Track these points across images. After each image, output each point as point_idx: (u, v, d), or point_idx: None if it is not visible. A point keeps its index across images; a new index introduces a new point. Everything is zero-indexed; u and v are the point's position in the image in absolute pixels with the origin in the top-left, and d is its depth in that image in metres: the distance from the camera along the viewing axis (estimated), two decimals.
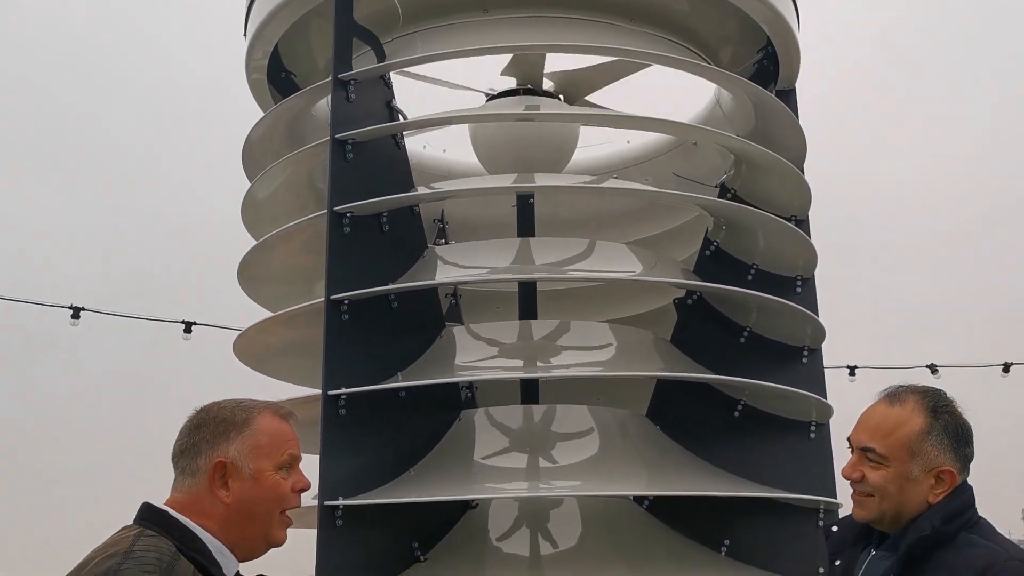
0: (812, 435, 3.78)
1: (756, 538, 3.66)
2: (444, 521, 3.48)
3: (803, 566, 3.60)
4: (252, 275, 3.71)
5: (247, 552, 1.83)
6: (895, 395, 2.10)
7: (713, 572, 3.52)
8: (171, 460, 1.87)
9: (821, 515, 3.66)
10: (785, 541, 3.66)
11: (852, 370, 8.03)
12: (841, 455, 4.02)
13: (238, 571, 1.83)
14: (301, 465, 1.94)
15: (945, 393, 2.12)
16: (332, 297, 3.14)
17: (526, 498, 3.59)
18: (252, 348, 3.67)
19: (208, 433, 1.81)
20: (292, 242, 3.53)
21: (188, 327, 6.87)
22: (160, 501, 1.82)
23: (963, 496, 2.03)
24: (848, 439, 2.12)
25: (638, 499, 3.79)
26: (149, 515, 1.77)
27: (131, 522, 1.79)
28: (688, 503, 3.67)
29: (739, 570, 3.58)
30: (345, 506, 2.99)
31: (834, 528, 2.25)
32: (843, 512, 3.75)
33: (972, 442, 2.07)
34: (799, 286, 3.87)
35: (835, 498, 3.61)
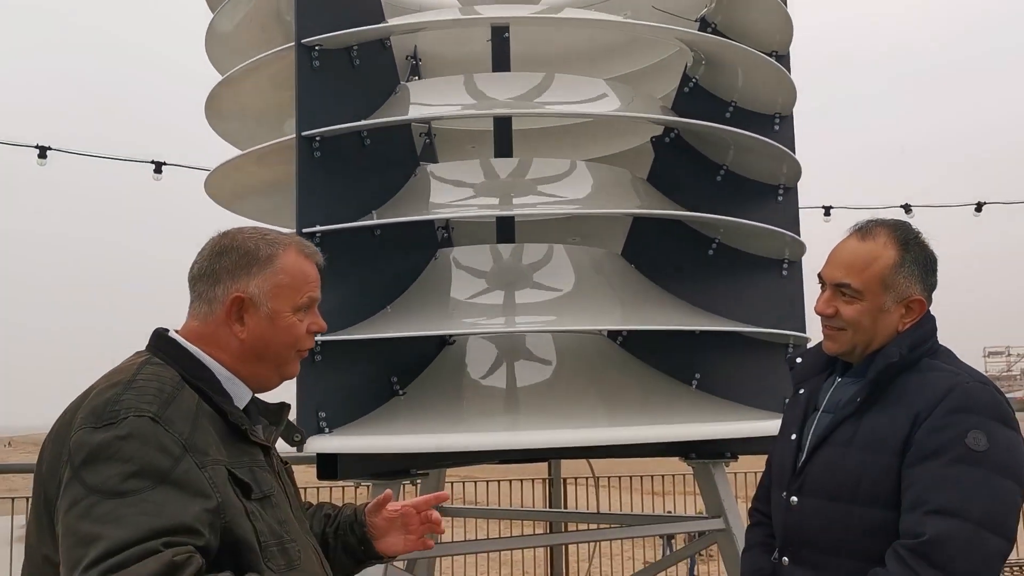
0: (784, 272, 3.83)
1: (726, 372, 3.76)
2: (422, 357, 3.54)
3: (771, 399, 3.72)
4: (219, 111, 3.62)
5: (260, 384, 1.80)
6: (866, 230, 2.10)
7: (684, 404, 3.63)
8: (187, 280, 1.78)
9: (790, 350, 3.76)
10: (754, 375, 3.77)
11: (827, 211, 8.07)
12: (812, 292, 4.12)
13: (254, 397, 1.81)
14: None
15: (911, 225, 2.14)
16: (303, 134, 3.08)
17: (502, 334, 3.65)
18: (225, 186, 3.62)
19: (229, 263, 1.73)
20: (260, 77, 3.43)
21: (158, 167, 6.73)
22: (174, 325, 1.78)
23: (928, 325, 2.08)
24: (819, 275, 2.14)
25: (612, 335, 3.86)
26: (159, 343, 1.72)
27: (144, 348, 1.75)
28: (660, 338, 3.74)
29: (709, 402, 3.70)
30: (323, 341, 3.02)
31: (798, 360, 2.30)
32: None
33: (937, 271, 2.10)
34: (777, 124, 3.84)
35: (804, 332, 3.69)
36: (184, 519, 1.45)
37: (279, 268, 1.76)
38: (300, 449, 2.27)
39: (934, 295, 2.12)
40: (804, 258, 3.87)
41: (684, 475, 7.33)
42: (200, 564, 1.43)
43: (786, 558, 2.09)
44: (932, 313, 2.10)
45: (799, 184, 3.94)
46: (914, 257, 2.06)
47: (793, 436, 2.14)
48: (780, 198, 3.87)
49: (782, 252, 3.80)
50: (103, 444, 1.46)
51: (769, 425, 3.64)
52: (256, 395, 1.82)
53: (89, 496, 1.43)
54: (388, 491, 2.00)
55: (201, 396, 1.63)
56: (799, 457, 2.10)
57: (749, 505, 2.37)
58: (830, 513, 2.00)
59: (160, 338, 1.73)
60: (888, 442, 1.95)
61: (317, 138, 3.09)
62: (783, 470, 2.14)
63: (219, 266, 1.74)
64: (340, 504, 2.11)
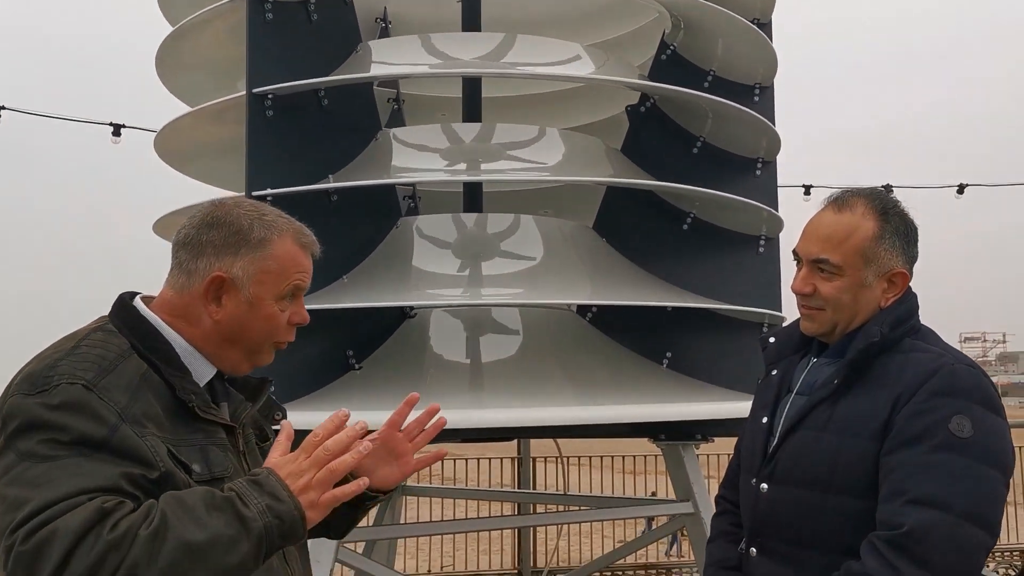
0: (761, 249, 3.70)
1: (698, 352, 3.63)
2: (380, 330, 3.37)
3: (744, 380, 3.59)
4: (170, 65, 3.43)
5: (227, 367, 1.68)
6: (842, 200, 1.95)
7: (654, 384, 3.49)
8: (171, 246, 1.67)
9: (765, 329, 3.63)
10: (727, 355, 3.64)
11: (807, 189, 7.93)
12: (790, 270, 3.99)
13: (223, 376, 1.69)
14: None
15: (889, 194, 1.99)
16: (254, 91, 2.90)
17: (466, 307, 3.50)
18: (175, 146, 3.43)
19: (218, 238, 1.62)
20: (213, 29, 3.24)
21: (117, 130, 6.48)
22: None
23: (909, 302, 1.94)
24: (795, 251, 1.98)
25: (581, 311, 3.71)
26: (118, 310, 1.63)
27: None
28: (631, 316, 3.60)
29: (680, 382, 3.56)
30: None
31: (771, 339, 2.15)
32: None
33: (918, 241, 1.96)
34: (757, 94, 3.69)
35: (780, 312, 3.57)
36: (118, 481, 1.39)
37: (269, 254, 1.63)
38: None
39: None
40: (782, 236, 3.74)
41: (656, 456, 7.23)
42: (132, 507, 1.37)
43: (753, 549, 1.95)
44: (913, 290, 1.97)
45: (779, 160, 3.81)
46: (895, 227, 1.92)
47: (764, 419, 1.99)
48: (759, 172, 3.73)
49: (759, 228, 3.66)
50: (35, 412, 1.42)
51: (741, 407, 3.48)
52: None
53: (21, 463, 1.39)
54: (355, 421, 1.81)
55: (152, 368, 1.54)
56: (770, 442, 1.96)
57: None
58: (801, 501, 1.85)
59: (121, 305, 1.63)
60: (866, 426, 1.80)
61: (269, 96, 2.91)
62: (753, 455, 1.99)
63: (206, 238, 1.62)
64: None
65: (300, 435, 2.95)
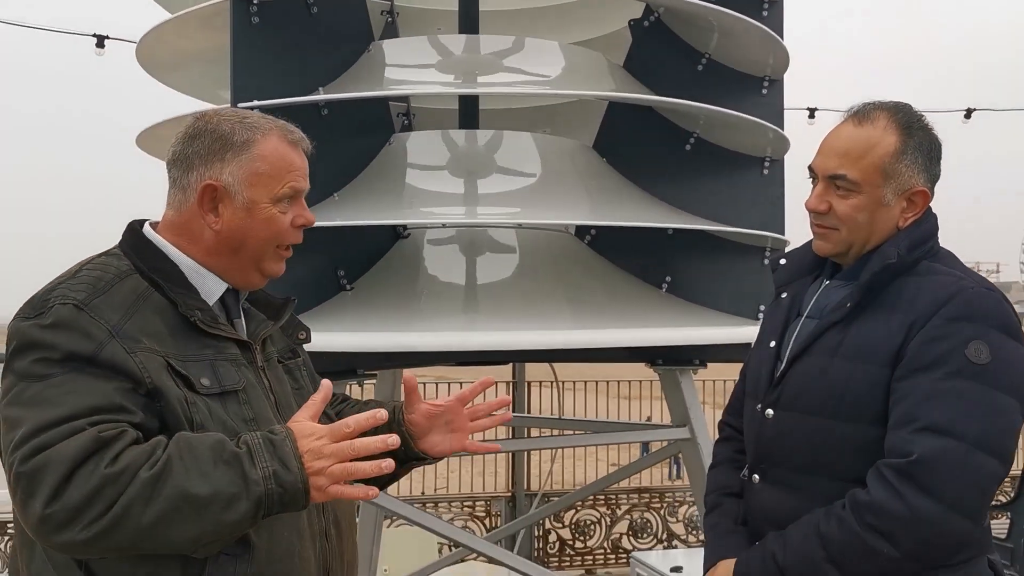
0: (766, 171, 3.59)
1: (698, 276, 3.54)
2: (372, 250, 3.28)
3: (745, 305, 3.52)
4: None
5: (239, 281, 1.69)
6: (863, 113, 1.84)
7: (652, 308, 3.42)
8: (165, 166, 1.68)
9: (767, 253, 3.54)
10: (728, 280, 3.55)
11: (812, 112, 7.76)
12: (793, 194, 3.88)
13: (234, 292, 1.70)
14: None
15: (914, 107, 1.88)
16: None
17: (461, 226, 3.40)
18: (158, 55, 3.28)
19: (202, 147, 1.62)
20: None
21: (100, 41, 6.27)
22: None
23: (929, 223, 1.85)
24: (810, 167, 1.88)
25: (580, 233, 3.62)
26: (126, 234, 1.67)
27: None
28: (631, 239, 3.51)
29: (679, 306, 3.49)
30: None
31: (781, 261, 2.06)
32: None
33: (941, 159, 1.86)
34: (766, 9, 3.53)
35: (783, 235, 3.47)
36: (112, 397, 1.43)
37: (256, 154, 1.63)
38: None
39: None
40: (787, 159, 3.63)
41: (652, 381, 7.22)
42: (133, 436, 1.40)
43: (756, 476, 1.89)
44: (933, 211, 1.87)
45: (786, 79, 3.68)
46: (918, 143, 1.81)
47: (772, 344, 1.92)
48: (765, 91, 3.60)
49: (764, 149, 3.55)
50: (30, 333, 1.47)
51: (741, 332, 3.45)
52: (257, 289, 1.75)
53: (19, 383, 1.44)
54: (411, 378, 1.81)
55: (155, 287, 1.57)
56: (777, 367, 1.89)
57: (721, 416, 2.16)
58: (808, 428, 1.79)
59: (129, 231, 1.67)
60: (879, 351, 1.72)
61: (254, 1, 2.76)
62: (759, 380, 1.92)
63: (192, 151, 1.63)
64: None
65: None
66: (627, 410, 8.04)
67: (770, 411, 1.85)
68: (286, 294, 1.87)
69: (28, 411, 1.39)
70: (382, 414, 1.49)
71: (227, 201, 1.61)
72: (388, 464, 1.45)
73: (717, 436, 2.14)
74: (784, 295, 1.99)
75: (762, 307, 3.55)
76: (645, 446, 8.40)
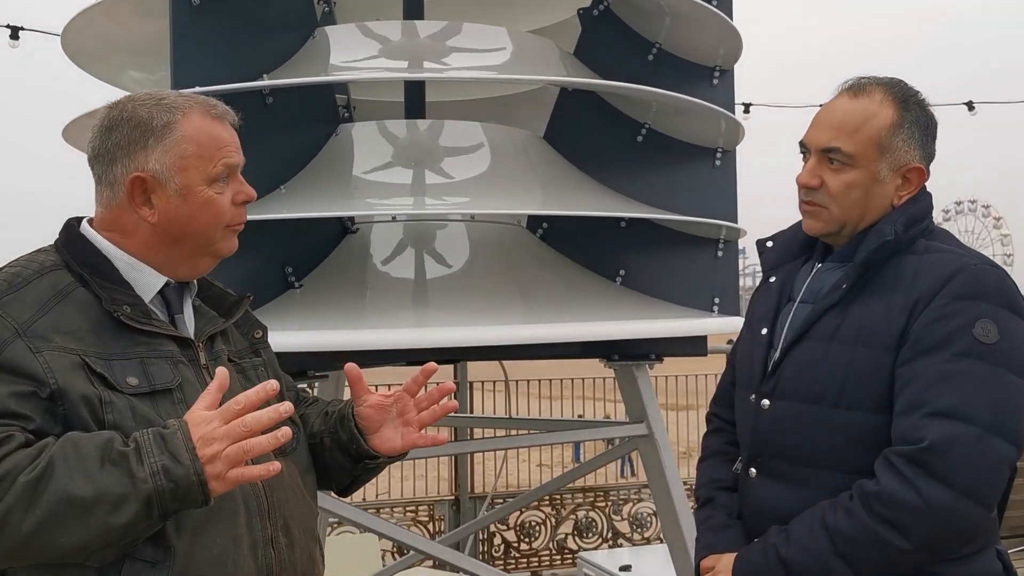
0: (718, 163, 3.55)
1: (652, 268, 3.50)
2: (320, 245, 3.15)
3: (700, 297, 3.48)
4: None
5: (187, 270, 1.60)
6: (858, 86, 1.79)
7: (607, 301, 3.35)
8: (87, 163, 1.59)
9: (720, 245, 3.51)
10: (682, 271, 3.51)
11: (747, 108, 7.83)
12: (745, 184, 3.86)
13: (211, 285, 1.68)
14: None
15: (909, 83, 1.84)
16: None
17: (410, 221, 3.29)
18: (87, 44, 3.10)
19: (122, 137, 1.52)
20: None
21: (15, 32, 5.96)
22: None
23: (924, 200, 1.79)
24: (801, 143, 1.82)
25: (532, 226, 3.54)
26: (62, 230, 1.59)
27: None
28: (583, 231, 3.44)
29: (634, 299, 3.43)
30: None
31: (769, 243, 1.99)
32: (745, 241, 3.62)
33: (936, 137, 1.81)
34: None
35: (735, 220, 3.44)
36: (6, 403, 1.34)
37: (181, 136, 1.52)
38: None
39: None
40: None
41: (597, 378, 7.19)
42: (20, 441, 1.32)
43: (753, 469, 1.81)
44: (928, 189, 1.83)
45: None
46: (914, 118, 1.76)
47: (764, 331, 1.85)
48: (716, 81, 3.57)
49: (716, 139, 3.51)
50: None
51: (698, 324, 3.42)
52: (212, 285, 1.70)
53: None
54: (352, 367, 1.70)
55: (83, 284, 1.49)
56: (771, 354, 1.81)
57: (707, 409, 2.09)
58: (809, 418, 1.71)
59: (64, 227, 1.59)
60: (880, 334, 1.66)
61: None
62: (751, 369, 1.84)
63: (111, 143, 1.53)
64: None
65: None
66: (582, 412, 7.96)
67: (766, 401, 1.78)
68: (242, 291, 1.76)
69: None
70: (273, 384, 1.38)
71: (159, 191, 1.52)
72: (285, 433, 1.36)
73: (705, 428, 2.07)
74: (773, 279, 1.92)
75: (716, 299, 3.52)
76: (578, 447, 8.31)
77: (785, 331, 1.80)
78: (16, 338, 1.39)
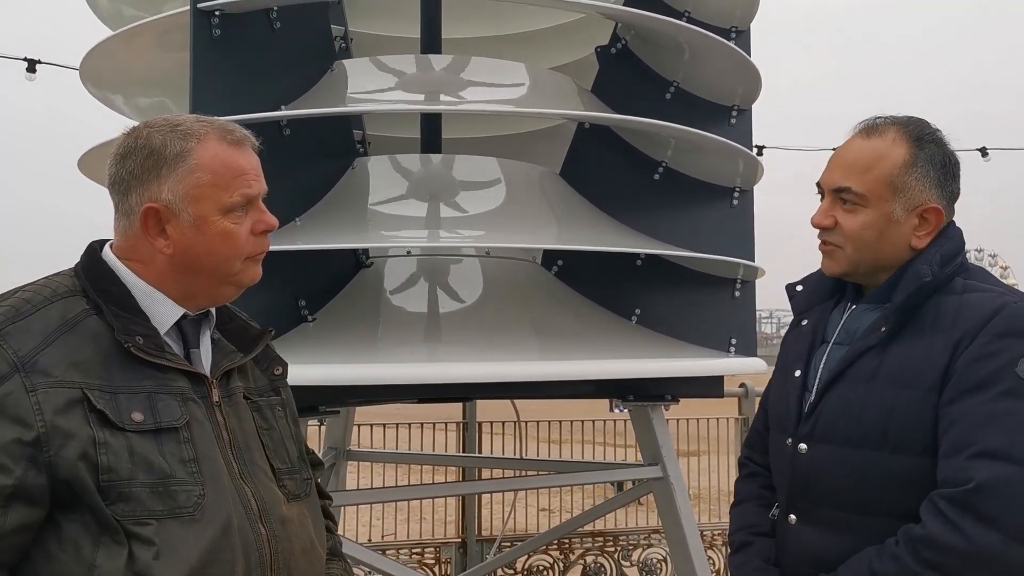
0: (735, 202, 3.53)
1: (668, 307, 3.46)
2: (334, 279, 3.12)
3: (717, 337, 3.43)
4: None
5: (209, 300, 1.56)
6: (872, 126, 1.77)
7: (623, 340, 3.31)
8: (107, 190, 1.54)
9: (738, 285, 3.47)
10: (698, 311, 3.47)
11: (760, 150, 7.83)
12: (763, 224, 3.82)
13: (234, 317, 1.63)
14: None
15: (929, 122, 1.81)
16: (199, 6, 2.61)
17: (425, 258, 3.26)
18: (107, 74, 3.10)
19: (135, 166, 1.48)
20: None
21: (32, 65, 6.01)
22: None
23: (955, 239, 1.76)
24: (818, 183, 1.80)
25: (547, 264, 3.51)
26: (84, 254, 1.53)
27: None
28: (599, 269, 3.41)
29: (649, 338, 3.39)
30: None
31: (798, 287, 1.96)
32: (763, 282, 3.58)
33: (959, 177, 1.78)
34: (734, 36, 3.50)
35: (753, 260, 3.41)
36: None
37: (195, 164, 1.47)
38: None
39: None
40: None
41: (606, 421, 7.10)
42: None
43: (793, 516, 1.75)
44: (957, 225, 1.79)
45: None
46: (929, 156, 1.73)
47: (797, 372, 1.80)
48: (733, 120, 3.55)
49: (733, 179, 3.49)
50: None
51: (714, 364, 3.37)
52: (235, 316, 1.65)
53: None
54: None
55: (98, 312, 1.43)
56: (805, 397, 1.77)
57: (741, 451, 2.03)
58: (849, 462, 1.66)
59: (86, 250, 1.54)
60: (922, 374, 1.61)
61: (216, 13, 2.62)
62: (786, 412, 1.79)
63: (126, 171, 1.48)
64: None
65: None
66: (592, 456, 7.85)
67: (803, 445, 1.73)
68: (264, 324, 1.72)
69: None
70: None
71: (173, 221, 1.47)
72: None
73: (737, 473, 2.02)
74: (805, 322, 1.88)
75: (733, 340, 3.47)
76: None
77: (820, 373, 1.76)
78: (13, 373, 1.32)
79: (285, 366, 1.73)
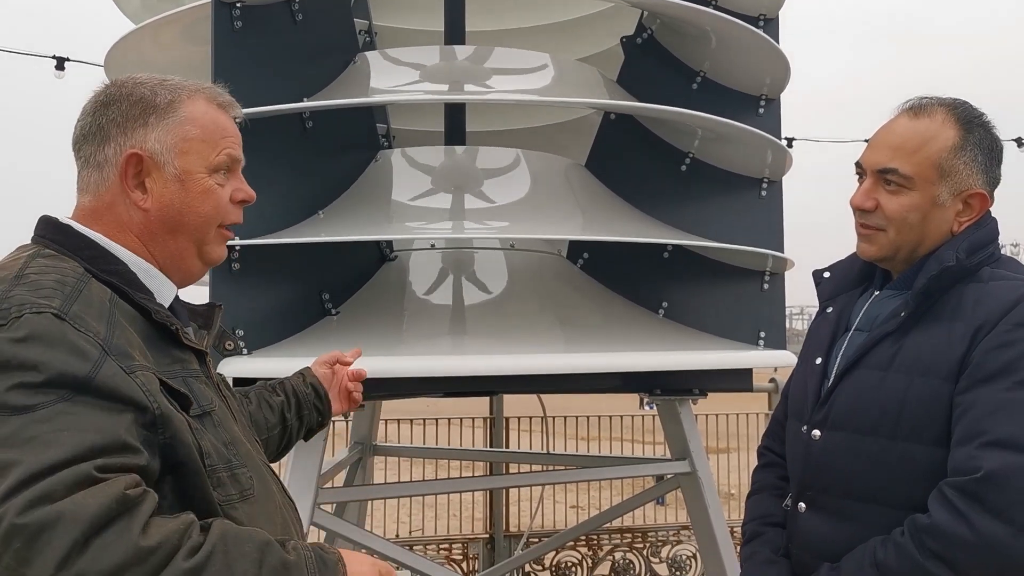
0: (763, 193, 3.47)
1: (696, 300, 3.41)
2: (358, 272, 3.11)
3: (744, 331, 3.38)
4: None
5: (181, 275, 1.44)
6: (920, 107, 1.71)
7: (649, 332, 3.26)
8: (71, 147, 1.41)
9: (767, 277, 3.42)
10: (726, 304, 3.42)
11: (790, 142, 7.74)
12: (791, 215, 3.76)
13: (177, 296, 1.46)
14: None
15: (975, 105, 1.75)
16: None
17: (449, 251, 3.24)
18: (133, 67, 3.08)
19: (119, 114, 1.37)
20: None
21: (60, 63, 6.06)
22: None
23: (989, 226, 1.70)
24: (858, 163, 1.74)
25: (573, 257, 3.47)
26: (47, 231, 1.36)
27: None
28: (625, 261, 3.37)
29: (677, 331, 3.34)
30: (243, 246, 2.58)
31: (826, 273, 1.91)
32: (792, 275, 3.52)
33: (1002, 162, 1.73)
34: (762, 24, 3.44)
35: (782, 252, 3.35)
36: (116, 433, 1.14)
37: (185, 117, 1.39)
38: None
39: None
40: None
41: (635, 416, 7.06)
42: (155, 501, 1.15)
43: (803, 504, 1.72)
44: (993, 214, 1.73)
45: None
46: (978, 140, 1.68)
47: (818, 360, 1.76)
48: (761, 110, 3.49)
49: (761, 170, 3.43)
50: None
51: (743, 356, 3.31)
52: (179, 296, 1.50)
53: None
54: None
55: (113, 291, 1.30)
56: (824, 384, 1.73)
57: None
58: (861, 450, 1.62)
59: (49, 225, 1.36)
60: (939, 364, 1.57)
61: (238, 4, 2.61)
62: (804, 399, 1.75)
63: (106, 120, 1.37)
64: (271, 387, 1.90)
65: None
66: (619, 452, 7.83)
67: (817, 432, 1.69)
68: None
69: (13, 452, 1.09)
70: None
71: (155, 173, 1.37)
72: None
73: (756, 462, 1.98)
74: (830, 309, 1.84)
75: (762, 333, 3.42)
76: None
77: (839, 359, 1.72)
78: (105, 356, 1.19)
79: (235, 339, 1.71)
